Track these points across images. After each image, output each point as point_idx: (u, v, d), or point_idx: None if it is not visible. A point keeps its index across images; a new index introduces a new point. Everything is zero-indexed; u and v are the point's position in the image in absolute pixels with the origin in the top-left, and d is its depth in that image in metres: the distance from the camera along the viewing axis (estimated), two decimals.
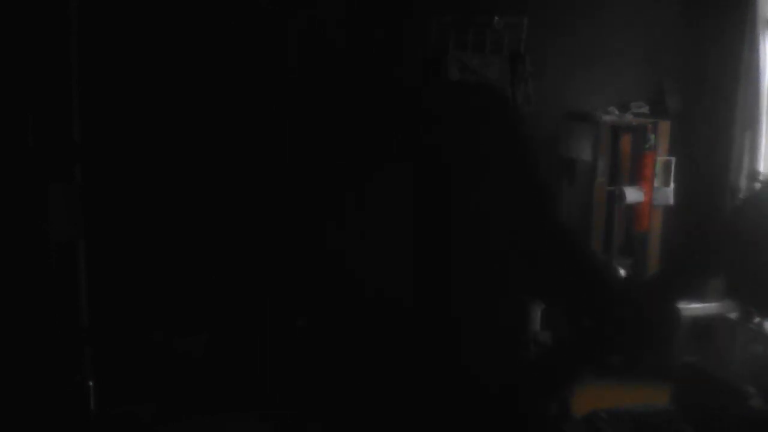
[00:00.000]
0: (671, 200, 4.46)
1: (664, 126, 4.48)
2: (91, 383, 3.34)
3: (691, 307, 4.33)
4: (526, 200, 1.11)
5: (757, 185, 1.14)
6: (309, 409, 1.09)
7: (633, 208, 4.52)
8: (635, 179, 4.49)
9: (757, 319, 3.96)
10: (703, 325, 4.32)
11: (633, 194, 4.44)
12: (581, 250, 1.17)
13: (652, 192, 4.45)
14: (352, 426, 1.06)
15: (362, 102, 1.05)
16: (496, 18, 4.30)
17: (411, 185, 1.04)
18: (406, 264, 1.03)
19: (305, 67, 1.08)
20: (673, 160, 4.46)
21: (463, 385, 1.05)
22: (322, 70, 1.04)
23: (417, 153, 1.05)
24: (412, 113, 1.07)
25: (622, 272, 4.46)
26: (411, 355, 1.04)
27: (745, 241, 1.05)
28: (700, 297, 4.31)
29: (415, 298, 1.03)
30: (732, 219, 1.07)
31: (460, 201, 1.06)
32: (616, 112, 4.48)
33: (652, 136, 4.45)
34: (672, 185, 4.45)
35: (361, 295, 1.04)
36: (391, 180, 1.04)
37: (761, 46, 4.26)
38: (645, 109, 4.59)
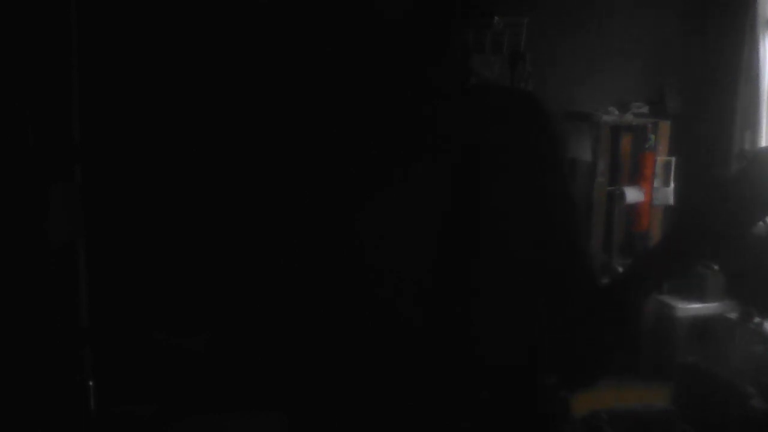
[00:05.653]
0: (671, 200, 4.47)
1: (664, 126, 4.49)
2: (91, 383, 3.33)
3: (691, 307, 4.33)
4: (552, 212, 1.10)
5: (743, 162, 1.13)
6: (318, 409, 1.08)
7: (633, 208, 4.52)
8: (635, 179, 4.49)
9: (757, 319, 3.97)
10: (703, 325, 4.32)
11: (633, 194, 4.44)
12: (590, 272, 1.15)
13: (652, 192, 4.46)
14: (363, 425, 1.06)
15: (390, 102, 1.04)
16: (496, 18, 4.30)
17: (438, 186, 1.04)
18: (427, 265, 1.03)
19: (323, 61, 1.06)
20: (673, 160, 4.46)
21: (474, 385, 1.05)
22: (347, 64, 1.03)
23: (446, 156, 1.05)
24: (443, 114, 1.06)
25: (621, 271, 4.46)
26: (424, 356, 1.03)
27: (740, 210, 1.03)
28: (700, 297, 4.32)
29: (432, 300, 1.03)
30: (726, 188, 1.05)
31: (488, 205, 1.05)
32: (616, 112, 4.48)
33: (652, 136, 4.46)
34: (672, 185, 4.45)
35: (360, 294, 1.04)
36: (418, 181, 1.04)
37: (761, 47, 4.26)
38: (645, 109, 4.59)
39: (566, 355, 1.15)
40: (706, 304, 4.33)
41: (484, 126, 1.08)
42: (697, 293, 4.33)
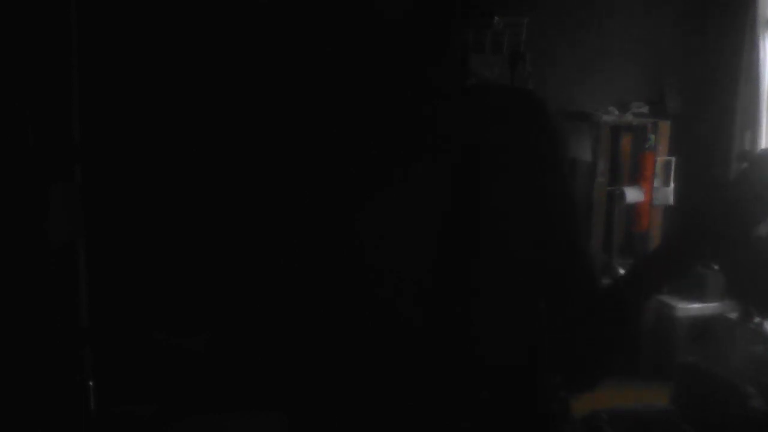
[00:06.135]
0: (671, 200, 4.47)
1: (664, 126, 4.48)
2: (91, 383, 3.33)
3: (691, 307, 4.33)
4: (552, 211, 1.10)
5: (744, 164, 1.12)
6: (318, 409, 1.08)
7: (633, 208, 4.52)
8: (635, 179, 4.49)
9: (757, 319, 3.97)
10: (703, 325, 4.32)
11: (633, 194, 4.44)
12: (592, 272, 1.15)
13: (652, 192, 4.46)
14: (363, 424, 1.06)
15: (390, 102, 1.04)
16: (496, 18, 4.30)
17: (438, 187, 1.04)
18: (427, 265, 1.03)
19: (322, 62, 1.06)
20: (673, 160, 4.46)
21: (474, 383, 1.05)
22: (347, 65, 1.03)
23: (447, 156, 1.05)
24: (443, 114, 1.06)
25: (622, 272, 4.46)
26: (424, 356, 1.03)
27: (742, 212, 1.03)
28: (700, 297, 4.32)
29: (432, 300, 1.03)
30: (728, 190, 1.05)
31: (488, 205, 1.05)
32: (616, 112, 4.48)
33: (652, 136, 4.46)
34: (672, 185, 4.45)
35: (360, 294, 1.04)
36: (418, 181, 1.04)
37: (761, 47, 4.26)
38: (645, 109, 4.59)
39: (568, 357, 1.15)
40: (706, 304, 4.33)
41: (484, 126, 1.08)
42: (697, 293, 4.33)
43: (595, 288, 1.14)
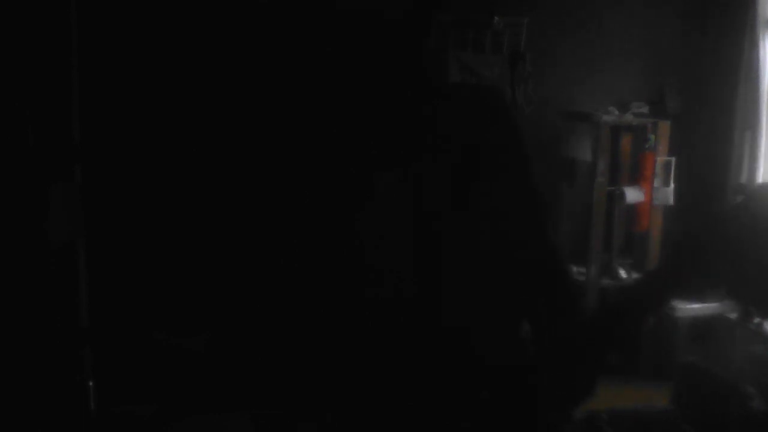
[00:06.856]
0: (671, 200, 4.46)
1: (664, 126, 4.48)
2: (91, 383, 3.34)
3: (691, 307, 4.33)
4: (521, 206, 1.11)
5: (740, 197, 1.13)
6: (305, 407, 1.09)
7: (633, 208, 4.52)
8: (635, 179, 4.49)
9: (757, 319, 3.97)
10: (703, 325, 4.32)
11: (633, 194, 4.44)
12: (562, 269, 1.16)
13: (652, 192, 4.45)
14: (353, 423, 1.06)
15: (361, 103, 1.05)
16: (496, 18, 4.30)
17: (410, 187, 1.04)
18: (405, 264, 1.03)
19: (307, 65, 1.07)
20: (673, 160, 4.46)
21: (460, 381, 1.06)
22: (326, 68, 1.04)
23: (417, 155, 1.05)
24: (413, 115, 1.07)
25: (622, 272, 4.46)
26: (408, 353, 1.04)
27: (741, 245, 1.04)
28: (699, 297, 4.32)
29: (411, 297, 1.03)
30: (726, 223, 1.06)
31: (458, 204, 1.05)
32: (616, 112, 4.48)
33: (652, 136, 4.46)
34: (672, 185, 4.45)
35: (360, 294, 1.04)
36: (390, 182, 1.04)
37: (761, 47, 4.26)
38: (645, 109, 4.59)
39: (563, 362, 1.15)
40: (706, 304, 4.33)
41: (461, 125, 1.09)
42: (697, 293, 4.32)
43: (567, 282, 1.16)
